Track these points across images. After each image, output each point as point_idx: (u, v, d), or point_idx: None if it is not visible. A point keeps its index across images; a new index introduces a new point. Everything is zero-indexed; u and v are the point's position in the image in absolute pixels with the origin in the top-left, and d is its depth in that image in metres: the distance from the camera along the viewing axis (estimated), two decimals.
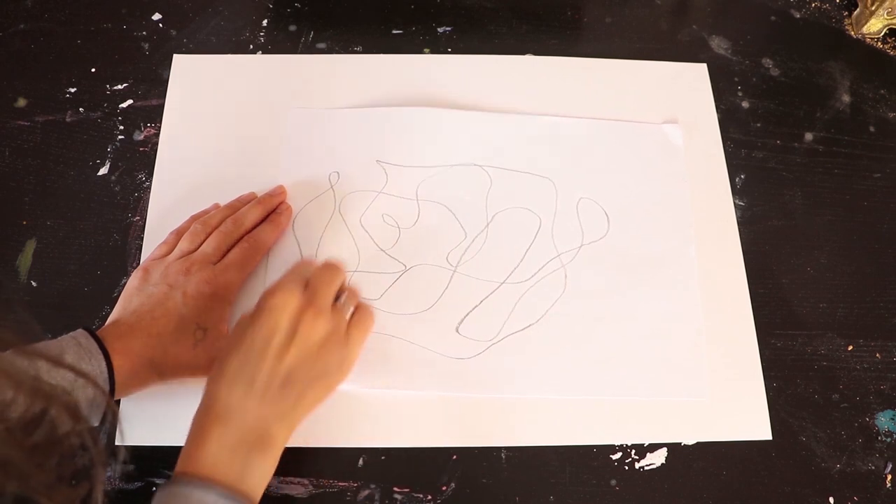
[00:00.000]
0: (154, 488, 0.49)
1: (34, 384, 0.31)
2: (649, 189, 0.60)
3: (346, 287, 0.47)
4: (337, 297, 0.46)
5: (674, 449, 0.52)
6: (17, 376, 0.31)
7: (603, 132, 0.62)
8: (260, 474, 0.41)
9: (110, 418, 0.48)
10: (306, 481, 0.50)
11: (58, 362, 0.41)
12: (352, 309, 0.47)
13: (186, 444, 0.41)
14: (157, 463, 0.50)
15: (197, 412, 0.42)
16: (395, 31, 0.68)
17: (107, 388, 0.44)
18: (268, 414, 0.41)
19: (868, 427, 0.54)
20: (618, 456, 0.52)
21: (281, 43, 0.66)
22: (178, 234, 0.54)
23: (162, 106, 0.62)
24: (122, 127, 0.62)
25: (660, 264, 0.57)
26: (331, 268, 0.46)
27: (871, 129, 0.65)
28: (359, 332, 0.46)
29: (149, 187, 0.59)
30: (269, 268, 0.56)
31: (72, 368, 0.39)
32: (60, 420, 0.33)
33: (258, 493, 0.41)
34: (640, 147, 0.62)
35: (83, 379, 0.43)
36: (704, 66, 0.66)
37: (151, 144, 0.61)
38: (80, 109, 0.63)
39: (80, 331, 0.46)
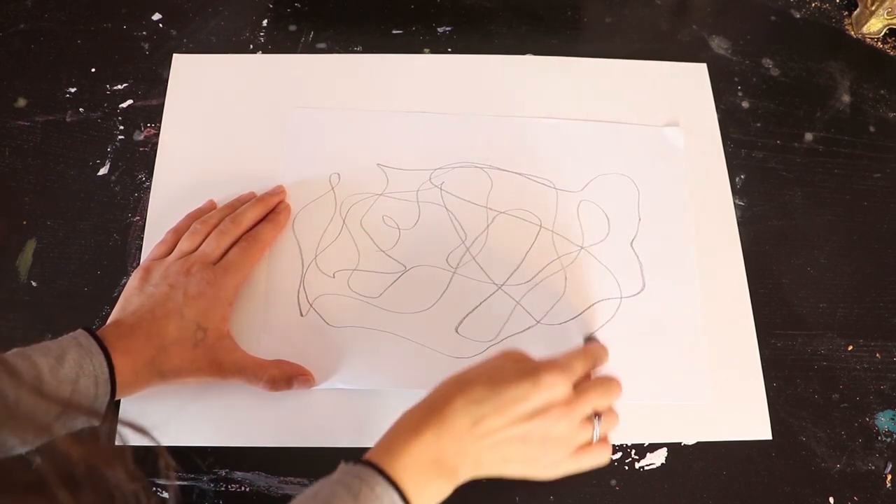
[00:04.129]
0: (157, 484, 0.49)
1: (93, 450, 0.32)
2: (650, 191, 0.60)
3: (610, 411, 0.46)
4: (598, 415, 0.45)
5: (674, 449, 0.52)
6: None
7: (603, 135, 0.62)
8: (434, 499, 0.41)
9: (110, 419, 0.48)
10: (306, 481, 0.50)
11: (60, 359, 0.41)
12: (599, 435, 0.45)
13: (396, 431, 0.42)
14: (157, 463, 0.50)
15: (420, 406, 0.42)
16: (395, 31, 0.68)
17: (107, 388, 0.44)
18: (471, 455, 0.42)
19: (868, 427, 0.54)
20: (618, 456, 0.52)
21: (281, 43, 0.66)
22: (177, 232, 0.54)
23: (162, 106, 0.62)
24: (122, 127, 0.62)
25: (660, 267, 0.57)
26: (611, 385, 0.46)
27: (871, 129, 0.65)
28: (587, 458, 0.45)
29: (149, 187, 0.59)
30: (268, 268, 0.56)
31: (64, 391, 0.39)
32: (117, 478, 0.33)
33: None
34: (641, 150, 0.62)
35: (84, 379, 0.43)
36: (704, 66, 0.66)
37: (151, 144, 0.61)
38: (80, 109, 0.63)
39: (79, 331, 0.46)
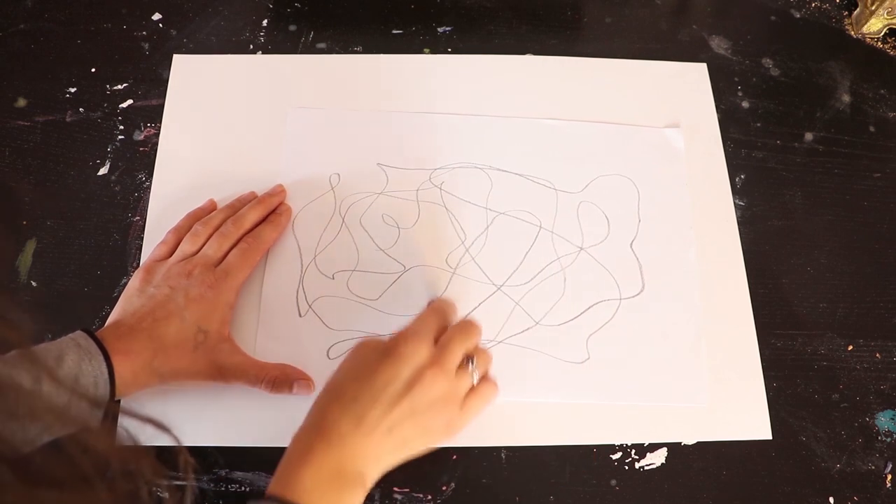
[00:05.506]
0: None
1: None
2: (650, 193, 0.60)
3: (480, 351, 0.47)
4: (469, 359, 0.46)
5: (674, 449, 0.52)
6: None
7: (604, 135, 0.62)
8: None
9: (110, 420, 0.48)
10: None
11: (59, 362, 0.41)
12: (478, 376, 0.46)
13: (288, 458, 0.41)
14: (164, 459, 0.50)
15: (303, 427, 0.42)
16: (395, 31, 0.68)
17: (107, 388, 0.44)
18: (368, 453, 0.42)
19: (868, 427, 0.54)
20: (618, 456, 0.52)
21: (281, 43, 0.66)
22: (177, 232, 0.54)
23: (162, 106, 0.62)
24: (122, 127, 0.62)
25: (660, 268, 0.57)
26: (468, 327, 0.46)
27: (871, 129, 0.65)
28: (476, 402, 0.46)
29: (149, 187, 0.59)
30: (267, 268, 0.56)
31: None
32: (144, 474, 0.33)
33: None
34: (641, 151, 0.62)
35: (84, 379, 0.43)
36: (704, 65, 0.66)
37: (151, 144, 0.61)
38: (80, 109, 0.63)
39: (78, 332, 0.46)
